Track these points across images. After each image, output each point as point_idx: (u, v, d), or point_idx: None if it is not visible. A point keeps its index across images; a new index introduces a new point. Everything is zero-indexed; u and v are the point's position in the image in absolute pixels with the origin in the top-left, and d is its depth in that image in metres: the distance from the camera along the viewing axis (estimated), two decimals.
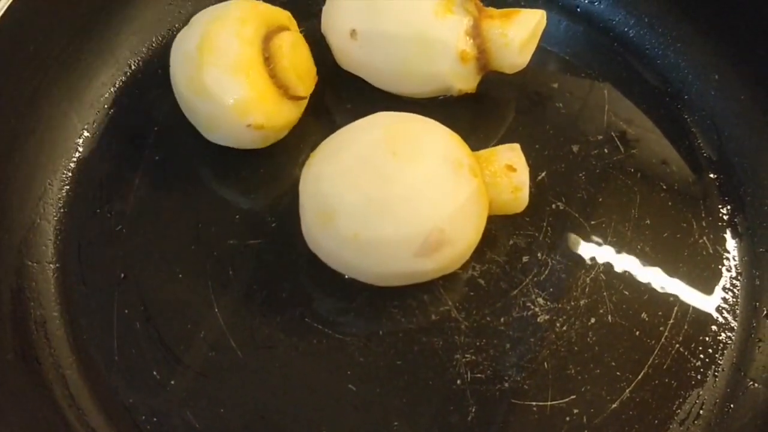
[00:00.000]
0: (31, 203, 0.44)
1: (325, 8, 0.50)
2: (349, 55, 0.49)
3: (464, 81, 0.49)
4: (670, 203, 0.49)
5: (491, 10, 0.48)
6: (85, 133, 0.50)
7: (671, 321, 0.45)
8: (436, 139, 0.42)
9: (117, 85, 0.52)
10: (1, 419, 0.34)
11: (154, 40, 0.54)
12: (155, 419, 0.42)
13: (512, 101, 0.53)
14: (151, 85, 0.52)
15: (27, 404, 0.39)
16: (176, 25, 0.55)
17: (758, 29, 0.49)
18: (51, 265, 0.46)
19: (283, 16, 0.48)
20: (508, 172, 0.44)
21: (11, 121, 0.46)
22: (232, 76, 0.43)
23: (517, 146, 0.45)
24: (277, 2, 0.51)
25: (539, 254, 0.47)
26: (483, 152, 0.45)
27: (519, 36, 0.47)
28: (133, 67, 0.53)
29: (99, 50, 0.51)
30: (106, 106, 0.52)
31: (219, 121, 0.44)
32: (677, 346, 0.45)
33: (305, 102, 0.49)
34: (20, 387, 0.40)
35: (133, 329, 0.44)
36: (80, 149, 0.50)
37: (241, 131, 0.45)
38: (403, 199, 0.39)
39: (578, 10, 0.57)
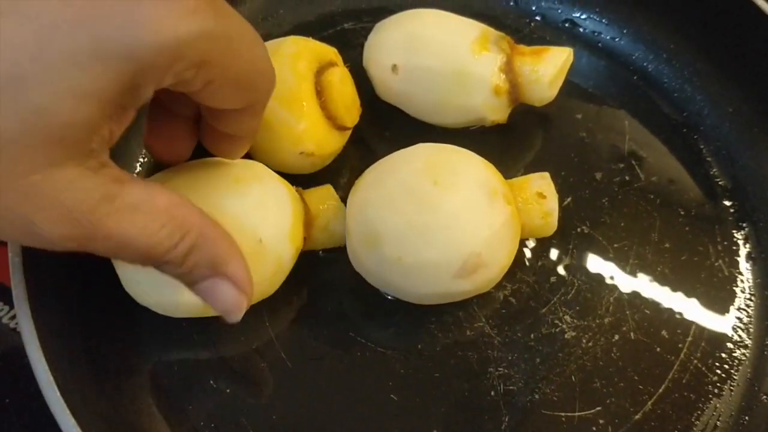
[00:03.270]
0: None
1: (367, 44, 0.53)
2: (390, 87, 0.53)
3: (497, 113, 0.52)
4: (687, 228, 0.53)
5: (523, 47, 0.52)
6: (144, 158, 0.54)
7: (689, 338, 0.49)
8: (473, 168, 0.45)
9: None
10: (77, 421, 0.38)
11: None
12: (212, 424, 0.45)
13: (539, 131, 0.57)
14: None
15: (97, 408, 0.42)
16: None
17: None
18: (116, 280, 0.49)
19: (331, 51, 0.51)
20: (539, 199, 0.47)
21: None
22: (288, 108, 0.47)
23: (546, 175, 0.48)
24: (323, 38, 0.55)
25: (566, 275, 0.50)
26: (515, 180, 0.48)
27: (548, 72, 0.50)
28: None
29: None
30: None
31: (273, 149, 0.48)
32: (695, 362, 0.48)
33: (349, 132, 0.52)
34: (91, 394, 0.43)
35: (191, 341, 0.47)
36: (138, 173, 0.53)
37: (293, 158, 0.48)
38: (444, 225, 0.42)
39: (600, 45, 0.60)
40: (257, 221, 0.42)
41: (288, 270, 0.46)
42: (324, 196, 0.47)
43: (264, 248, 0.42)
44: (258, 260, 0.42)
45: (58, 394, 0.37)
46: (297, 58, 0.48)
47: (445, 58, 0.50)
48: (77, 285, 0.46)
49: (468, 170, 0.45)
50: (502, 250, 0.45)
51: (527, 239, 0.51)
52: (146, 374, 0.46)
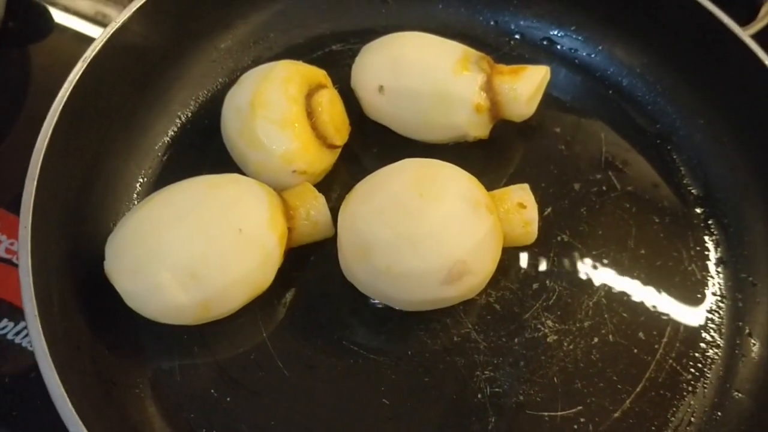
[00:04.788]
0: (99, 241, 0.49)
1: (354, 66, 0.56)
2: (377, 107, 0.55)
3: (479, 129, 0.55)
4: (662, 235, 0.55)
5: (502, 66, 0.54)
6: (143, 179, 0.56)
7: (665, 339, 0.51)
8: (458, 181, 0.48)
9: (169, 135, 0.58)
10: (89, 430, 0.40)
11: (200, 94, 0.60)
12: (214, 431, 0.47)
13: (520, 145, 0.59)
14: (200, 134, 0.58)
15: (106, 417, 0.45)
16: (219, 80, 0.61)
17: (739, 80, 0.55)
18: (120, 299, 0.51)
19: (320, 74, 0.54)
20: (520, 209, 0.49)
21: (82, 170, 0.51)
22: (280, 129, 0.49)
23: (526, 186, 0.51)
24: (312, 59, 0.57)
25: (547, 281, 0.53)
26: (497, 192, 0.51)
27: (526, 90, 0.53)
28: (183, 119, 0.59)
29: (153, 104, 0.57)
30: (160, 154, 0.57)
31: (267, 168, 0.51)
32: (670, 361, 0.51)
33: (339, 150, 0.55)
34: (99, 404, 0.45)
35: (192, 353, 0.50)
36: (138, 192, 0.56)
37: (286, 176, 0.51)
38: (430, 235, 0.45)
39: (577, 62, 0.63)
40: (235, 214, 0.46)
41: (276, 260, 0.48)
42: (301, 190, 0.50)
43: (245, 237, 0.46)
44: (242, 249, 0.46)
45: (70, 405, 0.39)
46: (288, 82, 0.51)
47: (428, 79, 0.53)
48: (82, 302, 0.48)
49: (452, 183, 0.47)
50: (486, 257, 0.48)
51: (510, 248, 0.53)
52: (150, 385, 0.49)
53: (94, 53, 0.50)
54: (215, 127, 0.55)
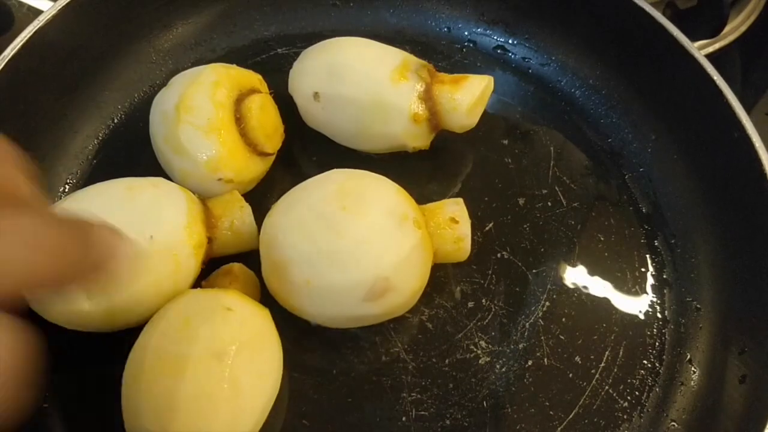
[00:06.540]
0: None
1: (291, 71, 0.54)
2: (313, 114, 0.53)
3: (418, 140, 0.53)
4: (606, 254, 0.53)
5: (443, 75, 0.53)
6: (70, 182, 0.54)
7: (602, 365, 0.49)
8: (383, 194, 0.46)
9: (100, 138, 0.56)
10: None
11: (136, 96, 0.58)
12: None
13: (465, 157, 0.57)
14: (133, 137, 0.56)
15: None
16: (157, 83, 0.59)
17: (689, 96, 0.54)
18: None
19: (255, 78, 0.52)
20: (452, 224, 0.47)
21: None
22: (205, 135, 0.47)
23: (460, 200, 0.49)
24: (256, 62, 0.55)
25: (483, 300, 0.51)
26: (429, 206, 0.48)
27: (466, 100, 0.51)
28: (116, 121, 0.57)
29: (85, 106, 0.56)
30: (89, 157, 0.56)
31: (192, 175, 0.49)
32: (607, 388, 0.48)
33: (272, 158, 0.53)
34: None
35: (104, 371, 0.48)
36: (64, 196, 0.54)
37: (212, 184, 0.49)
38: (351, 250, 0.43)
39: (530, 71, 0.61)
40: (148, 220, 0.44)
41: (191, 270, 0.46)
42: (228, 199, 0.49)
43: (157, 245, 0.44)
44: (152, 257, 0.44)
45: None
46: (216, 87, 0.49)
47: (364, 87, 0.51)
48: None
49: (377, 195, 0.45)
50: (412, 274, 0.45)
51: (447, 264, 0.51)
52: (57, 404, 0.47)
53: (13, 52, 0.48)
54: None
